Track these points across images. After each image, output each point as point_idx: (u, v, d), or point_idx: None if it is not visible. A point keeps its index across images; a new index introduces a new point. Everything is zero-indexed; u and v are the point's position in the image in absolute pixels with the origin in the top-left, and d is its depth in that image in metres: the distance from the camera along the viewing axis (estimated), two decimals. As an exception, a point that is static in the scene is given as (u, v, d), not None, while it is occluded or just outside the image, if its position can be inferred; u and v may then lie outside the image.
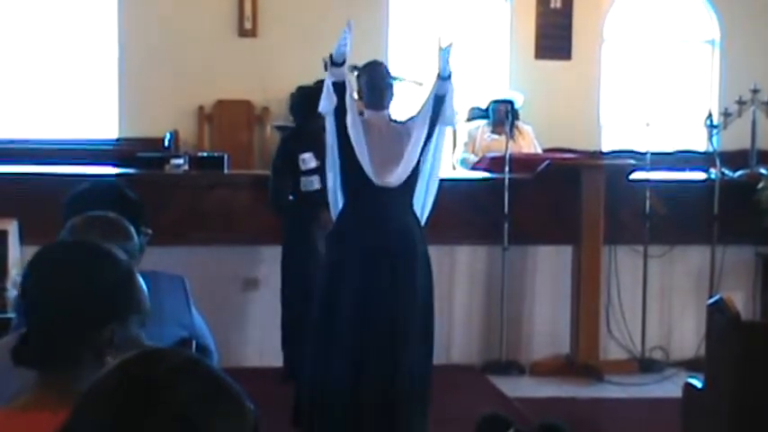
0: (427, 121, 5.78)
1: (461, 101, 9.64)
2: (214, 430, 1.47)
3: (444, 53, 5.80)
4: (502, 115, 8.35)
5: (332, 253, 5.82)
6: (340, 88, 5.72)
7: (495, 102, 8.68)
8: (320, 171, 6.59)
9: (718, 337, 4.90)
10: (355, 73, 7.65)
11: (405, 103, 9.09)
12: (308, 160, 6.85)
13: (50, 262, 2.29)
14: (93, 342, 2.25)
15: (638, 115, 9.41)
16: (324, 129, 6.07)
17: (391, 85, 5.87)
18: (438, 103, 5.81)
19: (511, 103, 8.50)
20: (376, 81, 5.83)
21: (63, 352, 2.22)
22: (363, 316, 5.59)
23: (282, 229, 6.95)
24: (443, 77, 5.81)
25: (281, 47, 9.48)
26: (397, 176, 5.71)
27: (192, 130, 9.56)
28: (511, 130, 7.96)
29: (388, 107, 5.85)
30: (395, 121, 5.87)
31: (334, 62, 5.73)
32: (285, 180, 6.82)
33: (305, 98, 6.98)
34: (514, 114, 8.37)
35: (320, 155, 6.70)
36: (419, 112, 5.83)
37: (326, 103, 5.76)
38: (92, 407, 1.50)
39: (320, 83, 6.32)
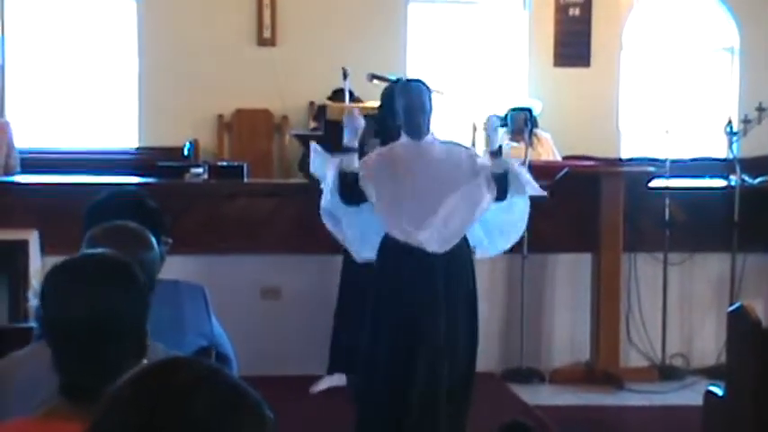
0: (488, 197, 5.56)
1: (481, 109, 9.68)
2: (234, 438, 1.48)
3: (490, 130, 5.62)
4: (521, 123, 8.34)
5: (384, 259, 5.70)
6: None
7: (514, 110, 8.68)
8: None
9: (739, 345, 4.88)
10: (374, 81, 7.69)
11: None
12: (374, 143, 6.88)
13: (75, 287, 2.28)
14: (130, 361, 2.26)
15: (658, 122, 9.39)
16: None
17: (428, 111, 5.58)
18: (499, 180, 5.56)
19: (529, 110, 8.49)
20: (412, 108, 5.55)
21: (104, 377, 2.22)
22: (417, 318, 5.53)
23: None
24: (493, 152, 5.56)
25: (301, 56, 9.51)
26: (438, 241, 5.47)
27: (211, 139, 9.59)
28: (530, 137, 7.96)
29: (426, 133, 5.59)
30: (441, 142, 5.65)
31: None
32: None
33: (384, 96, 7.03)
34: (533, 122, 8.36)
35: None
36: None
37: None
38: (111, 418, 1.50)
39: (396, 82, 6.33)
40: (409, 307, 5.49)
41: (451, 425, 5.65)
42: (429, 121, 5.61)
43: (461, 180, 5.52)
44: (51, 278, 2.33)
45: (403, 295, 5.51)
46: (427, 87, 5.69)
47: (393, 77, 8.10)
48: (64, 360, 2.24)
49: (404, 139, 5.64)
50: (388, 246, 5.55)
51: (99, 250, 2.53)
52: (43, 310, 2.30)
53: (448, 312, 5.53)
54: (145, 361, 2.27)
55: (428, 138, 5.61)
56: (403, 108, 5.60)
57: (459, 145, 5.82)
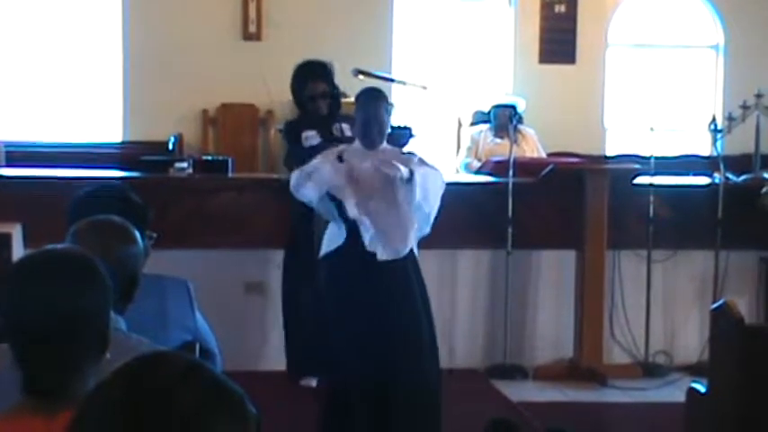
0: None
1: (466, 105, 9.69)
2: (217, 434, 1.48)
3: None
4: (505, 120, 8.35)
5: (330, 268, 5.82)
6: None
7: (497, 106, 8.68)
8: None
9: (722, 342, 4.90)
10: (360, 76, 7.69)
11: (410, 108, 9.13)
12: (311, 138, 6.93)
13: (34, 286, 2.25)
14: (93, 357, 2.24)
15: (642, 120, 9.41)
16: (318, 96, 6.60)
17: (385, 124, 5.81)
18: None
19: (513, 107, 8.50)
20: (369, 122, 5.77)
21: (68, 375, 2.21)
22: (368, 328, 5.60)
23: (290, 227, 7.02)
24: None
25: (286, 50, 9.46)
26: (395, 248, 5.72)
27: (196, 133, 9.56)
28: (514, 134, 7.96)
29: (380, 144, 5.82)
30: (391, 150, 5.87)
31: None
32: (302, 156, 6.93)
33: (297, 70, 7.14)
34: (518, 118, 8.37)
35: (323, 134, 6.82)
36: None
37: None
38: (95, 414, 1.50)
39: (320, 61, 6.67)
40: (360, 310, 5.63)
41: (426, 425, 5.68)
42: (384, 131, 5.81)
43: (398, 191, 5.70)
44: (12, 275, 2.31)
45: (353, 299, 5.66)
46: (386, 99, 5.92)
47: (378, 73, 8.12)
48: (25, 358, 2.22)
49: (358, 145, 5.85)
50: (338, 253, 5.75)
51: (60, 246, 2.51)
52: (3, 307, 2.27)
53: (397, 313, 5.64)
54: (108, 355, 2.26)
55: (381, 147, 5.82)
56: (360, 121, 5.80)
57: (409, 155, 5.92)
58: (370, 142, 5.78)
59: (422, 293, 5.81)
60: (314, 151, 6.36)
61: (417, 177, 5.66)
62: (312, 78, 7.07)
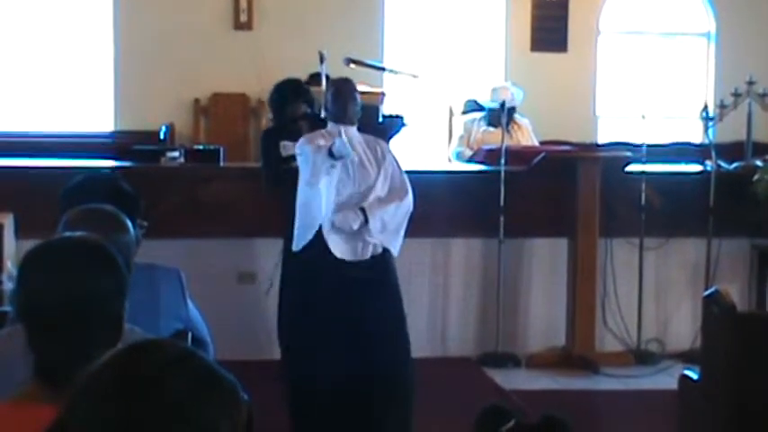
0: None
1: (458, 94, 9.68)
2: (208, 421, 1.47)
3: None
4: (498, 110, 8.33)
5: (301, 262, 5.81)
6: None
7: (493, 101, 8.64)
8: None
9: (714, 329, 4.91)
10: (352, 65, 7.67)
11: (401, 97, 9.13)
12: (289, 147, 6.86)
13: (53, 271, 2.25)
14: (105, 345, 2.24)
15: (634, 107, 9.41)
16: (299, 118, 6.39)
17: (357, 100, 5.77)
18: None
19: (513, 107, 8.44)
20: (343, 92, 5.73)
21: (79, 362, 2.20)
22: (340, 320, 5.59)
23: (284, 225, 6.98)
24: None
25: (277, 40, 9.48)
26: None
27: (187, 122, 9.55)
28: (507, 125, 7.95)
29: (354, 122, 5.75)
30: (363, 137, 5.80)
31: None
32: (277, 165, 6.86)
33: (276, 91, 7.06)
34: (510, 108, 8.34)
35: None
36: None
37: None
38: (86, 401, 1.50)
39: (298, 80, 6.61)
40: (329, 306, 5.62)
41: (396, 417, 5.66)
42: (357, 110, 5.75)
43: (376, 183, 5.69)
44: (28, 261, 2.30)
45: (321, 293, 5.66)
46: (354, 86, 5.86)
47: (370, 62, 8.09)
48: (39, 344, 2.22)
49: (331, 125, 5.76)
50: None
51: (78, 233, 2.51)
52: (19, 293, 2.27)
53: (370, 307, 5.62)
54: (120, 346, 2.25)
55: (354, 131, 5.73)
56: (333, 93, 5.76)
57: (381, 147, 5.87)
58: (342, 111, 5.69)
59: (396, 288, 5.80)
60: (292, 160, 6.35)
61: (373, 224, 5.62)
62: (292, 100, 6.94)
